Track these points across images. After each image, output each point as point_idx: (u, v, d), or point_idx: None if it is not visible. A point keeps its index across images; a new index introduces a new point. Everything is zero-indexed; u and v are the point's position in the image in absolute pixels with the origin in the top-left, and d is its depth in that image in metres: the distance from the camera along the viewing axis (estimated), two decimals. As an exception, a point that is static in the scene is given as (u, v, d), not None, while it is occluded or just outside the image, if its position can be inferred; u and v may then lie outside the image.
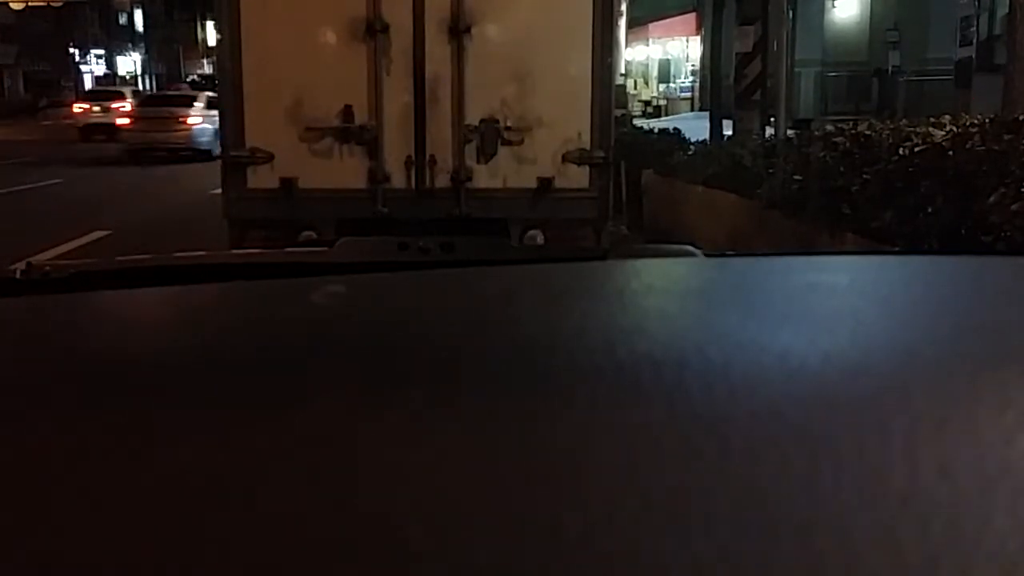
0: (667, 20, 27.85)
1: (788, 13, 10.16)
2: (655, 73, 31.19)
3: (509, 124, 5.37)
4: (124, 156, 18.73)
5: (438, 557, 0.44)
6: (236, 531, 0.47)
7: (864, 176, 5.03)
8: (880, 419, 0.57)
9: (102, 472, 0.53)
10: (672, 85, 29.89)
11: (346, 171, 5.41)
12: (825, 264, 1.39)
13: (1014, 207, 3.86)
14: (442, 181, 5.44)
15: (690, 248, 1.37)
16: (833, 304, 0.91)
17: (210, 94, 18.60)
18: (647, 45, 31.11)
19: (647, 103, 28.45)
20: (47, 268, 1.27)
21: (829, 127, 6.29)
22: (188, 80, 58.44)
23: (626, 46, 24.73)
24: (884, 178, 4.84)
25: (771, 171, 6.41)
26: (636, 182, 9.51)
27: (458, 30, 5.28)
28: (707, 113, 13.61)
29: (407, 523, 0.47)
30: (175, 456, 0.54)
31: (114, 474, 0.53)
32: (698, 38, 26.17)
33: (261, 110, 5.33)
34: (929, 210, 4.43)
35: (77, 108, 27.74)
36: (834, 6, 22.28)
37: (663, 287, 1.07)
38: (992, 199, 3.97)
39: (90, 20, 54.50)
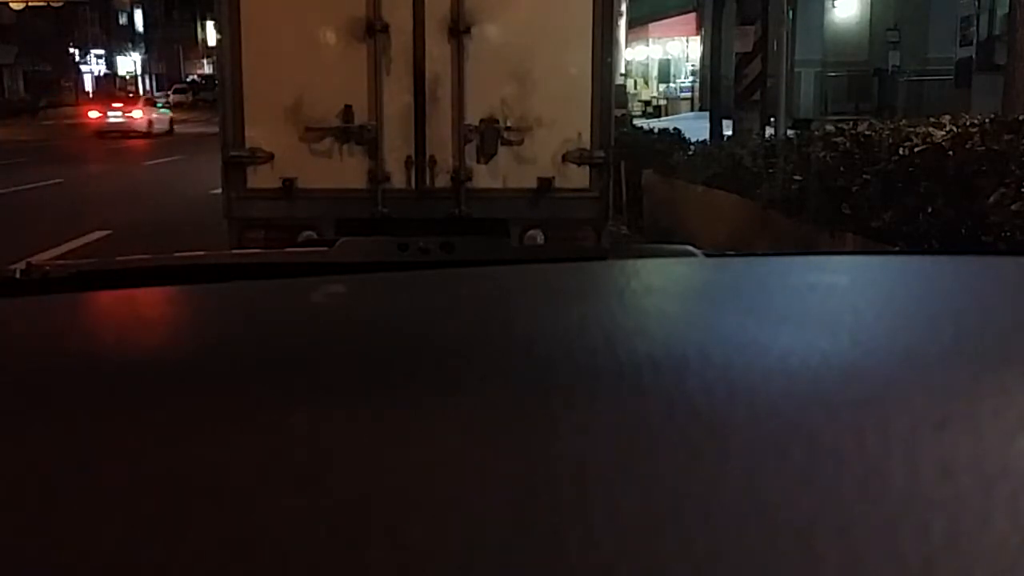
0: (667, 20, 27.82)
1: (788, 13, 10.16)
2: (655, 73, 31.18)
3: (509, 124, 5.37)
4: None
5: (438, 557, 0.44)
6: (236, 531, 0.47)
7: (864, 176, 5.03)
8: (880, 419, 0.57)
9: (102, 472, 0.53)
10: (672, 85, 29.87)
11: (346, 171, 5.41)
12: (825, 264, 1.39)
13: (1014, 207, 3.86)
14: (442, 181, 5.44)
15: (690, 248, 1.36)
16: (833, 304, 0.91)
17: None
18: (647, 45, 31.10)
19: (647, 103, 28.44)
20: (47, 268, 1.27)
21: (829, 127, 6.29)
22: (188, 80, 58.56)
23: (626, 46, 24.71)
24: (884, 178, 4.83)
25: (771, 171, 6.40)
26: (636, 182, 9.50)
27: (458, 30, 5.28)
28: (707, 113, 13.61)
29: (407, 523, 0.47)
30: (175, 456, 0.54)
31: (114, 474, 0.53)
32: (698, 38, 26.16)
33: (261, 110, 5.33)
34: (929, 210, 4.43)
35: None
36: (834, 6, 22.27)
37: (663, 287, 1.07)
38: (992, 199, 3.97)
39: (90, 20, 54.51)
